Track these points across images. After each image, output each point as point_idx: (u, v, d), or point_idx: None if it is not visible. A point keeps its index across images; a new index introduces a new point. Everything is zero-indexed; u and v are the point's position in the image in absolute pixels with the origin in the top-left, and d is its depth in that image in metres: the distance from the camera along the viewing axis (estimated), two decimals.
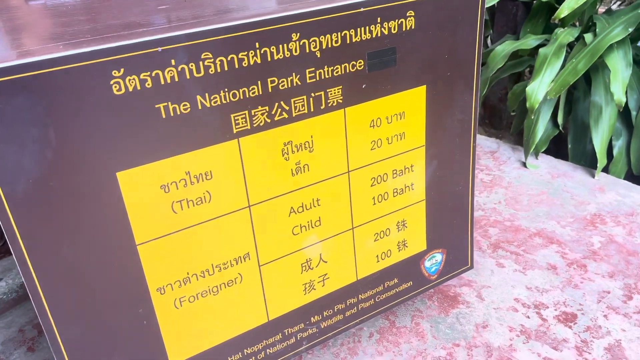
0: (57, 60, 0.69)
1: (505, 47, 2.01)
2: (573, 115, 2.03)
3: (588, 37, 1.81)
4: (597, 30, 1.81)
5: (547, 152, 2.10)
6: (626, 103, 1.82)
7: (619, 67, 1.74)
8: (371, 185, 1.05)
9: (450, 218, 1.21)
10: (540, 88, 1.81)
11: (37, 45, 0.74)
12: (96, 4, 1.04)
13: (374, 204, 1.07)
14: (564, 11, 1.71)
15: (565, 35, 1.86)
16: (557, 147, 2.15)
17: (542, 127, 1.97)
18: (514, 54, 2.07)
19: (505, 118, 2.45)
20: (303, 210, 0.99)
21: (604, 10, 2.11)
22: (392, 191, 1.09)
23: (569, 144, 2.04)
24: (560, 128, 2.01)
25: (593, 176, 1.92)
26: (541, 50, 1.85)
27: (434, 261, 1.22)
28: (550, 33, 2.05)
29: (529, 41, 2.01)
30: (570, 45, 1.91)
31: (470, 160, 1.18)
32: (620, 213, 1.73)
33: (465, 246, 1.27)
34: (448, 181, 1.17)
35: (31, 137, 0.71)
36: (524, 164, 2.04)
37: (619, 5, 2.52)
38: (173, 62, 0.77)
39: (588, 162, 2.04)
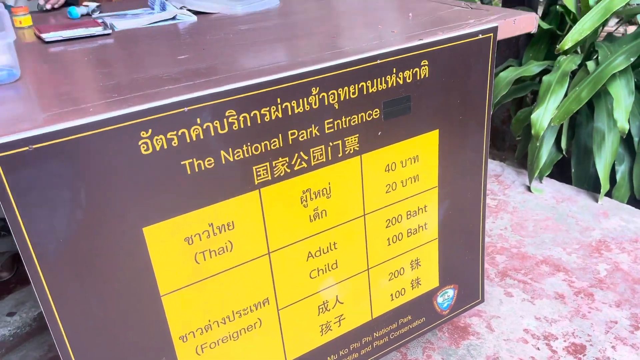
0: (88, 126, 0.71)
1: (509, 74, 2.04)
2: (576, 139, 2.05)
3: (591, 65, 1.84)
4: (599, 58, 1.84)
5: (551, 175, 2.12)
6: (629, 129, 1.85)
7: (622, 95, 1.77)
8: (386, 227, 1.07)
9: (462, 254, 1.23)
10: (544, 116, 1.84)
11: (67, 106, 0.76)
12: (115, 51, 1.06)
13: (389, 244, 1.09)
14: (567, 43, 1.74)
15: (568, 62, 1.89)
16: (560, 170, 2.18)
17: (546, 152, 2.00)
18: (517, 78, 2.09)
19: (508, 140, 2.48)
20: (320, 254, 1.01)
21: (604, 34, 2.14)
22: (407, 231, 1.11)
23: (572, 167, 2.07)
24: (564, 152, 2.04)
25: (597, 200, 1.94)
26: (545, 78, 1.88)
27: (446, 297, 1.23)
28: (552, 59, 2.08)
29: (532, 67, 2.04)
30: (573, 72, 1.94)
31: (481, 198, 1.20)
32: (624, 239, 1.75)
33: (476, 280, 1.29)
34: (460, 219, 1.19)
35: (62, 200, 0.73)
36: (529, 188, 2.07)
37: (617, 23, 2.55)
38: (199, 120, 0.79)
39: (591, 185, 2.06)
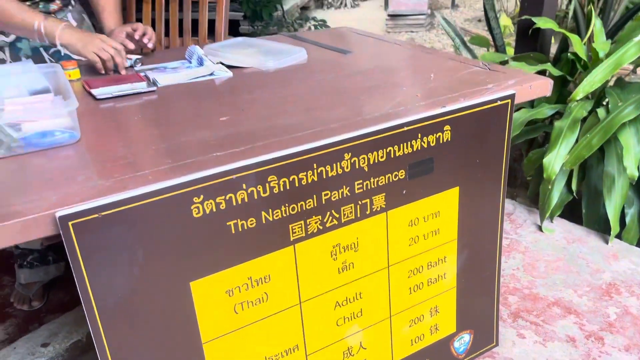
0: (149, 194, 0.79)
1: (521, 115, 2.12)
2: (587, 181, 2.12)
3: (601, 112, 1.92)
4: (609, 105, 1.92)
5: (561, 215, 2.18)
6: (638, 175, 1.91)
7: (631, 143, 1.84)
8: (408, 277, 1.14)
9: (478, 301, 1.30)
10: (556, 160, 1.91)
11: (127, 172, 0.84)
12: (161, 110, 1.15)
13: (410, 293, 1.16)
14: (579, 94, 1.82)
15: (579, 109, 1.96)
16: (571, 210, 2.24)
17: (557, 194, 2.07)
18: (529, 120, 2.17)
19: (519, 177, 2.55)
20: (347, 303, 1.08)
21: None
22: (427, 281, 1.18)
23: (583, 208, 2.13)
24: (575, 194, 2.10)
25: (607, 242, 2.00)
26: (556, 123, 1.96)
27: (463, 342, 1.29)
28: (563, 102, 2.16)
29: (544, 110, 2.12)
30: (584, 117, 2.01)
31: (497, 248, 1.27)
32: (634, 282, 1.81)
33: (491, 325, 1.35)
34: (477, 267, 1.25)
35: (122, 259, 0.81)
36: (540, 228, 2.13)
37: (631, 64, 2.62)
38: (244, 186, 0.87)
39: (602, 226, 2.12)
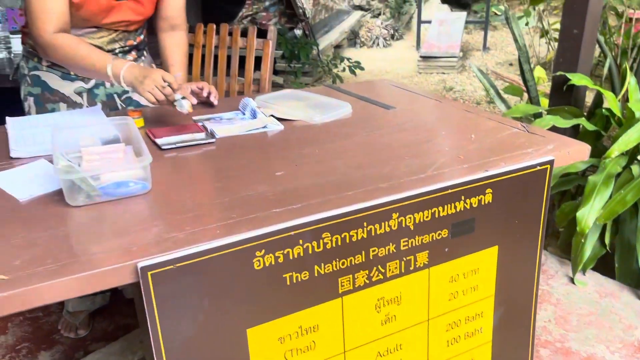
0: (217, 249, 0.87)
1: (555, 168, 2.16)
2: (620, 236, 2.13)
3: (635, 169, 1.95)
4: None
5: (594, 268, 2.20)
6: None
7: None
8: (446, 330, 1.19)
9: (513, 355, 1.33)
10: (590, 214, 1.94)
11: (197, 225, 0.92)
12: (222, 162, 1.24)
13: (448, 346, 1.21)
14: (614, 152, 1.86)
15: (614, 165, 2.00)
16: (603, 263, 2.25)
17: (590, 247, 2.08)
18: (563, 173, 2.21)
19: (551, 227, 2.57)
20: (388, 354, 1.13)
21: None
22: (464, 334, 1.22)
23: (615, 262, 2.14)
24: (608, 248, 2.12)
25: (639, 297, 2.00)
26: (590, 178, 2.00)
27: None
28: (597, 156, 2.19)
29: (578, 164, 2.16)
30: (618, 172, 2.04)
31: (532, 303, 1.31)
32: None
33: None
34: (512, 323, 1.29)
35: (189, 306, 0.89)
36: (572, 280, 2.14)
37: None
38: (301, 241, 0.95)
39: (635, 281, 2.12)
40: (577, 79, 2.15)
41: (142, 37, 1.70)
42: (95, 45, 1.54)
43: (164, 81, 1.36)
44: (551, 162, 1.18)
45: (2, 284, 0.78)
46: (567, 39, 2.29)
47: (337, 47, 6.30)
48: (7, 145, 1.28)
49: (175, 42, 1.69)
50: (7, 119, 1.42)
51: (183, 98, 1.40)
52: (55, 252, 0.86)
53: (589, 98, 2.61)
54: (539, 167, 1.17)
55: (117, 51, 1.61)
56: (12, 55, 2.53)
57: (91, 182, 1.02)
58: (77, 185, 1.02)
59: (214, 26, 2.38)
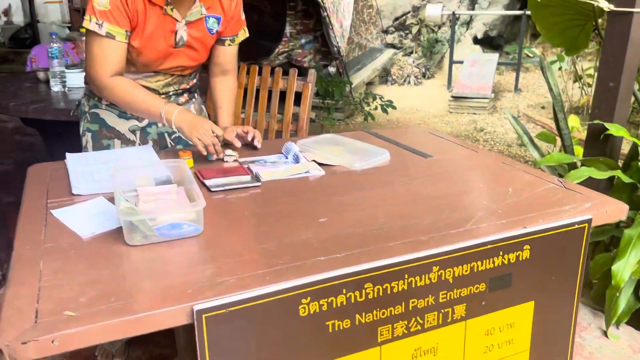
0: (267, 295, 0.92)
1: None
2: None
3: None
4: None
5: (628, 322, 2.16)
6: None
7: None
8: None
9: None
10: (625, 269, 1.93)
11: (246, 271, 0.98)
12: (267, 206, 1.30)
13: None
14: None
15: None
16: (638, 318, 2.21)
17: (624, 301, 2.06)
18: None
19: (584, 277, 2.54)
20: None
21: None
22: None
23: None
24: None
25: None
26: (626, 231, 1.99)
27: None
28: (633, 208, 2.18)
29: None
30: None
31: (567, 358, 1.31)
32: None
33: None
34: None
35: (239, 348, 0.93)
36: (605, 333, 2.11)
37: None
38: (344, 290, 0.99)
39: None
40: (615, 129, 2.16)
41: (194, 80, 1.80)
42: (151, 88, 1.64)
43: (213, 132, 1.47)
44: (589, 221, 1.21)
45: (70, 320, 0.84)
46: (603, 91, 2.31)
47: (369, 83, 6.42)
48: (68, 181, 1.37)
49: (226, 86, 1.79)
50: (67, 155, 1.52)
51: (229, 154, 1.54)
52: (116, 290, 0.92)
53: (625, 145, 2.61)
54: (577, 226, 1.19)
55: (170, 93, 1.71)
56: (67, 89, 2.68)
57: (149, 223, 1.09)
58: (135, 225, 1.08)
59: (257, 68, 2.49)
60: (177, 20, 1.56)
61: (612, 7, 2.15)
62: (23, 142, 4.42)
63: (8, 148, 4.26)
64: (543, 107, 5.64)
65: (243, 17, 1.74)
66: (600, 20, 2.37)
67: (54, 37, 2.68)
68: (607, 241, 2.46)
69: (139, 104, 1.54)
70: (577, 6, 2.30)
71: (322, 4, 4.88)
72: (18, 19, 9.05)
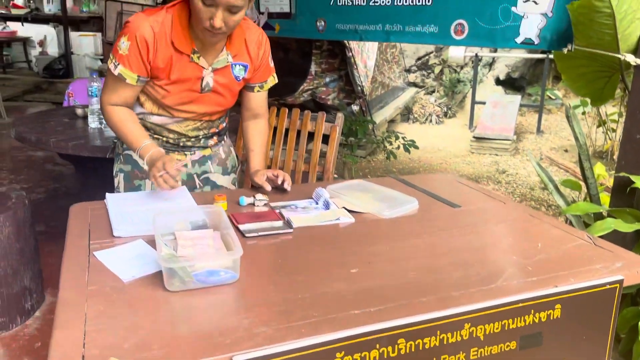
0: (303, 348, 0.94)
1: None
2: None
3: None
4: None
5: None
6: None
7: None
8: None
9: None
10: None
11: (283, 322, 1.00)
12: (299, 253, 1.33)
13: None
14: None
15: None
16: None
17: None
18: None
19: None
20: None
21: None
22: None
23: None
24: None
25: None
26: None
27: None
28: None
29: None
30: None
31: None
32: None
33: None
34: None
35: None
36: None
37: None
38: (378, 345, 1.01)
39: None
40: None
41: (224, 124, 1.86)
42: (181, 132, 1.71)
43: (163, 167, 1.48)
44: (621, 282, 1.21)
45: None
46: (629, 142, 2.32)
47: (391, 121, 6.50)
48: (108, 221, 1.42)
49: (257, 129, 1.85)
50: (107, 195, 1.58)
51: (260, 198, 1.60)
52: (158, 337, 0.95)
53: None
54: (608, 286, 1.20)
55: (200, 137, 1.77)
56: (103, 125, 2.77)
57: (188, 270, 1.12)
58: (174, 270, 1.12)
59: (287, 110, 2.56)
60: (203, 68, 1.63)
61: (638, 61, 2.18)
62: (54, 172, 4.55)
63: (39, 177, 4.39)
64: (566, 151, 5.62)
65: (272, 64, 1.80)
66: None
67: (94, 76, 2.79)
68: (634, 293, 2.42)
69: (126, 135, 1.64)
70: (604, 59, 2.34)
71: (347, 44, 5.00)
72: (53, 50, 9.43)
